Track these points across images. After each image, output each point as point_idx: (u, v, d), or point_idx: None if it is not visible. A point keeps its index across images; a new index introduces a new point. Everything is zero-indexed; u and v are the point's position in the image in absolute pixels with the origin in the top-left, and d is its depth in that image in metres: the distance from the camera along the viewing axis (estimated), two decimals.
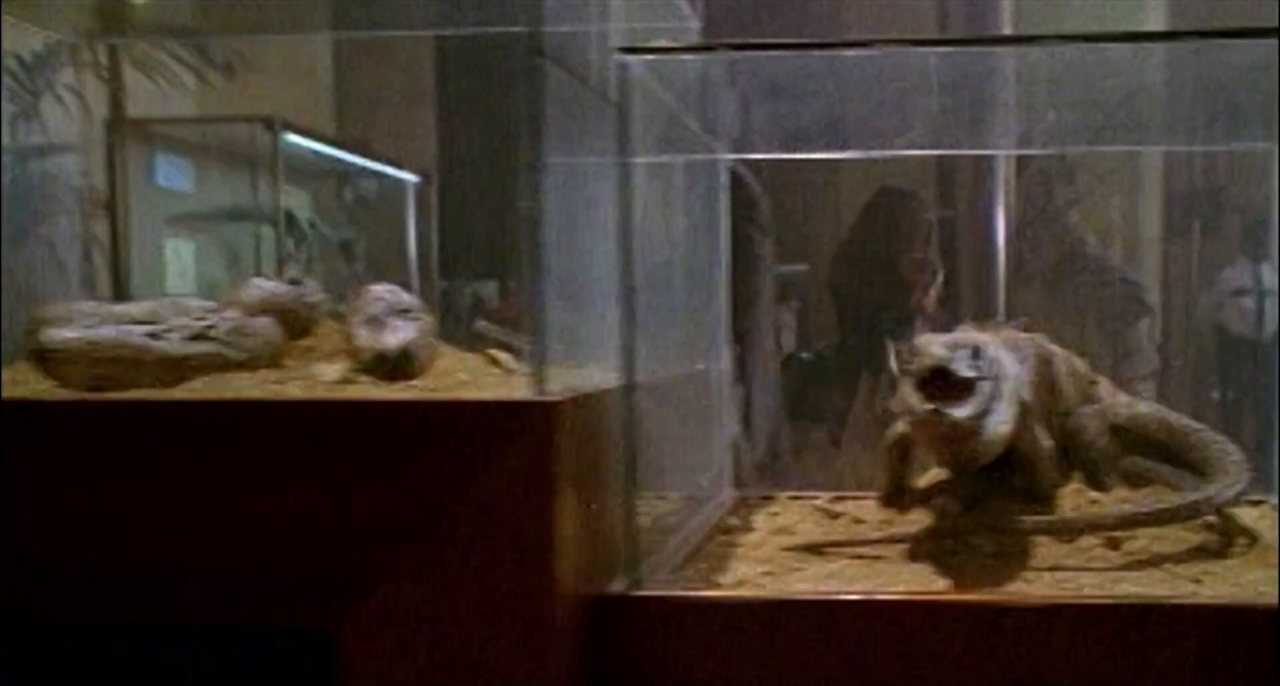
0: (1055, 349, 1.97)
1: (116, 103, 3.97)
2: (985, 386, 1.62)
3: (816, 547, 1.77)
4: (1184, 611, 1.46)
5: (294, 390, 1.51)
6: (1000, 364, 1.67)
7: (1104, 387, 2.03)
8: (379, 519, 1.39)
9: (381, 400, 1.44)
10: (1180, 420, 1.97)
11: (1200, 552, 1.75)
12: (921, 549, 1.74)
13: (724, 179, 2.29)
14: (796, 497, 2.22)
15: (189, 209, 4.37)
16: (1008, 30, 4.51)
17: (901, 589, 1.57)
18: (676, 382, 2.08)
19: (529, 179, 1.40)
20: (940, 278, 5.36)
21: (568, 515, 1.42)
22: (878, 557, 1.74)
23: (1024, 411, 1.78)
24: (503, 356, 1.89)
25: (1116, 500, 1.87)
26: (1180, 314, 9.77)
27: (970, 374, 1.59)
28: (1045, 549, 1.74)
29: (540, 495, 1.37)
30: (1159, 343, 9.90)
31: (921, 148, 2.35)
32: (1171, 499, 1.80)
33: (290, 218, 4.82)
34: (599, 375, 1.69)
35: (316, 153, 5.49)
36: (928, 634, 1.47)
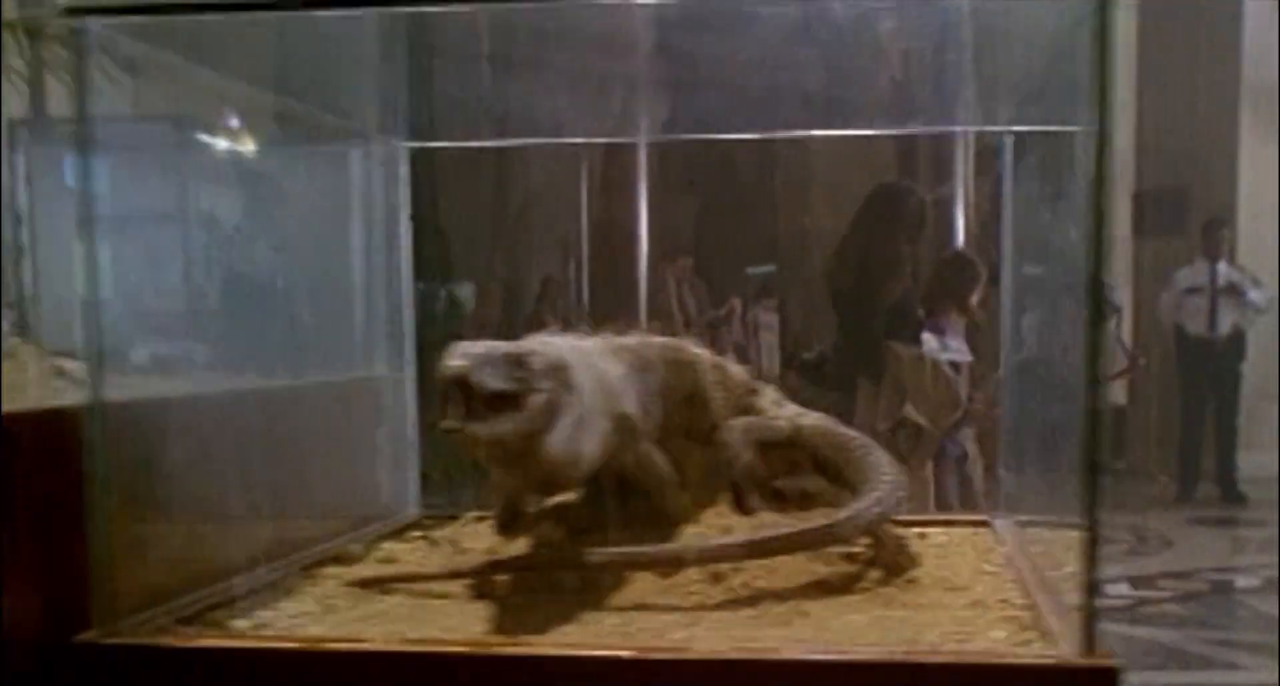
0: (702, 355, 1.72)
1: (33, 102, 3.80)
2: (537, 400, 1.37)
3: (375, 583, 1.53)
4: (692, 666, 1.20)
5: None
6: (568, 373, 1.42)
7: (767, 397, 1.77)
8: None
9: None
10: (845, 433, 1.70)
11: (817, 587, 1.49)
12: (496, 584, 1.49)
13: (404, 169, 2.05)
14: (483, 518, 1.98)
15: (104, 210, 4.22)
16: None
17: (413, 635, 1.32)
18: (308, 391, 1.85)
19: None
20: (984, 279, 5.05)
21: None
22: (443, 595, 1.49)
23: (626, 427, 1.53)
24: (69, 365, 1.67)
25: (756, 525, 1.62)
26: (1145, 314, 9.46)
27: (499, 385, 1.33)
28: (642, 584, 1.49)
29: None
30: (1125, 342, 9.57)
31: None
32: (803, 523, 1.54)
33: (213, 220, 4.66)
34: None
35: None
36: None
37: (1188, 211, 9.03)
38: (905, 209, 4.97)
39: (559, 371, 1.40)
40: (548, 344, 1.46)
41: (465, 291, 11.22)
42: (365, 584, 1.52)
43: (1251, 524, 7.74)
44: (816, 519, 1.54)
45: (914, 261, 5.16)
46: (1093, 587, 1.21)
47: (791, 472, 1.72)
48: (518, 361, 1.36)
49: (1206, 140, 9.13)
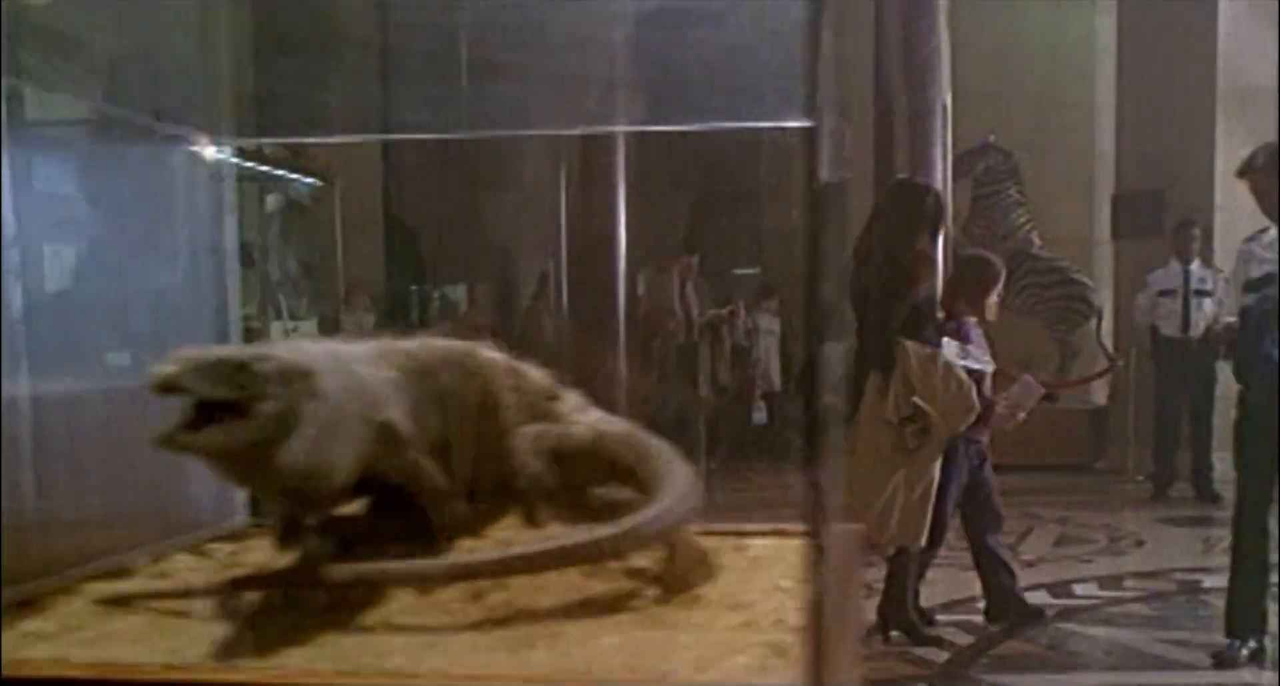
0: (494, 359, 1.59)
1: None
2: (265, 408, 1.25)
3: (120, 600, 1.41)
4: None
5: None
6: (309, 380, 1.30)
7: (569, 403, 1.63)
8: None
9: None
10: (648, 442, 1.57)
11: (583, 606, 1.36)
12: (241, 602, 1.37)
13: (227, 170, 1.93)
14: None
15: (72, 213, 4.16)
16: None
17: (122, 659, 1.20)
18: (106, 396, 1.73)
19: None
20: (1001, 279, 4.92)
21: None
22: (185, 614, 1.37)
23: (388, 435, 1.41)
24: None
25: (542, 538, 1.49)
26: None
27: (213, 393, 1.22)
28: (399, 602, 1.37)
29: None
30: (1106, 343, 9.37)
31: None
32: (569, 536, 1.41)
33: None
34: None
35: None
36: None
37: (1165, 213, 8.86)
38: (924, 205, 4.85)
39: (297, 378, 1.28)
40: (293, 349, 1.34)
41: (458, 292, 11.15)
42: (110, 601, 1.40)
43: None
44: (597, 531, 1.41)
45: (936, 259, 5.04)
46: (817, 608, 1.08)
47: (599, 482, 1.60)
48: (240, 367, 1.25)
49: (1183, 143, 8.95)
